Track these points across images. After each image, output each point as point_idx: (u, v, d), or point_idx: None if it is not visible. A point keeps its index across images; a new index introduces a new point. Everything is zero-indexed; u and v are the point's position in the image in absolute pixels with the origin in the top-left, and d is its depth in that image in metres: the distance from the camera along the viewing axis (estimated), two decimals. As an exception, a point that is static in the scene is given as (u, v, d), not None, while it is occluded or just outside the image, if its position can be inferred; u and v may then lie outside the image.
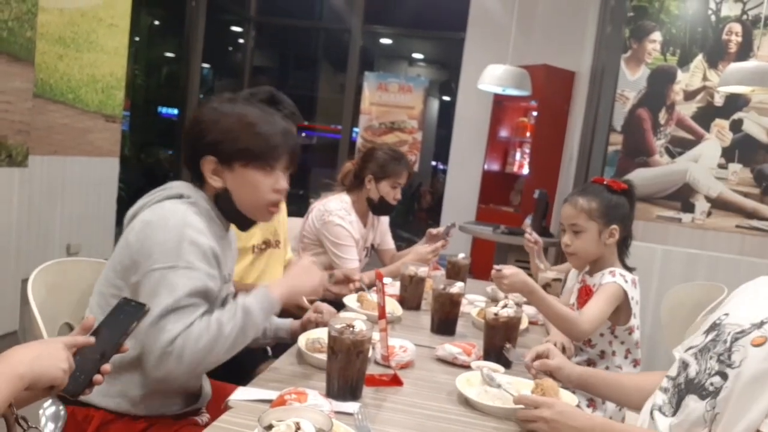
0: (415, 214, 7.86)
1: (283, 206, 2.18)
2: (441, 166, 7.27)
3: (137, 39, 5.68)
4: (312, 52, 7.61)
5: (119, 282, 1.27)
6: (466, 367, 1.45)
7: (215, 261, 1.27)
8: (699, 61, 3.86)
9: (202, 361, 1.20)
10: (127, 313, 1.04)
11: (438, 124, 6.52)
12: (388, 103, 5.74)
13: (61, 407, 0.93)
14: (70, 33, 3.91)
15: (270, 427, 0.78)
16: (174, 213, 1.25)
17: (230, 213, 1.38)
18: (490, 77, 4.07)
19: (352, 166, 2.55)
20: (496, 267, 1.59)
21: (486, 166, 5.25)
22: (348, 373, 1.22)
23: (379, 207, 2.50)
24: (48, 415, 0.92)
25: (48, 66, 3.66)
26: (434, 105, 7.23)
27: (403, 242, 6.08)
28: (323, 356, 1.36)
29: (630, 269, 1.76)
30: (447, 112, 6.27)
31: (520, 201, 4.93)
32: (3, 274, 2.92)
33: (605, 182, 1.78)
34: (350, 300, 1.87)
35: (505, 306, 1.51)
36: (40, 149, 3.26)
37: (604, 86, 4.28)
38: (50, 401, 0.93)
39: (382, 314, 1.36)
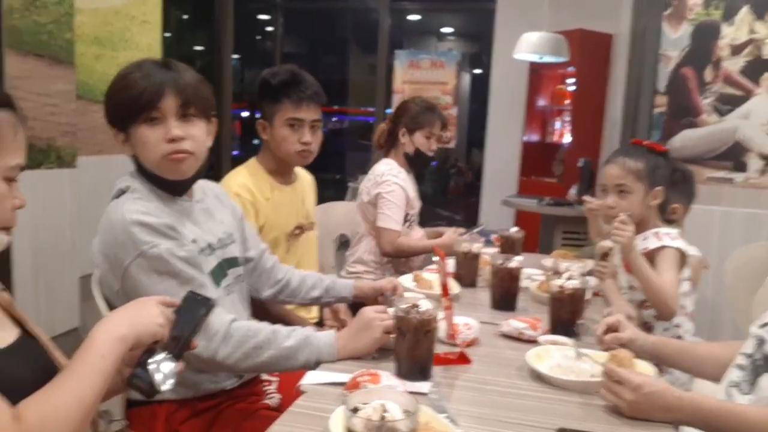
0: (452, 191, 7.79)
1: (311, 181, 2.16)
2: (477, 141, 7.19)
3: (168, 35, 5.72)
4: (340, 34, 7.57)
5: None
6: (533, 341, 1.43)
7: (172, 231, 1.25)
8: (745, 12, 3.69)
9: (247, 354, 1.23)
10: (195, 308, 1.05)
11: (471, 98, 6.43)
12: (421, 81, 5.67)
13: (173, 361, 0.93)
14: (105, 33, 3.96)
15: (356, 410, 0.77)
16: (114, 214, 1.24)
17: (152, 179, 1.31)
18: (526, 45, 3.98)
19: (386, 125, 2.53)
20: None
21: (525, 138, 5.16)
22: (417, 353, 1.21)
23: (415, 160, 2.46)
24: (162, 367, 0.93)
25: (86, 67, 3.71)
26: (466, 79, 7.12)
27: (442, 221, 6.05)
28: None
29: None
30: (480, 86, 6.16)
31: (563, 171, 4.83)
32: (61, 273, 3.00)
33: (645, 144, 1.76)
34: (406, 280, 1.86)
35: (570, 278, 1.48)
36: (86, 150, 3.32)
37: (645, 47, 4.14)
38: (161, 355, 0.94)
39: (445, 292, 1.34)
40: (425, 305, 1.22)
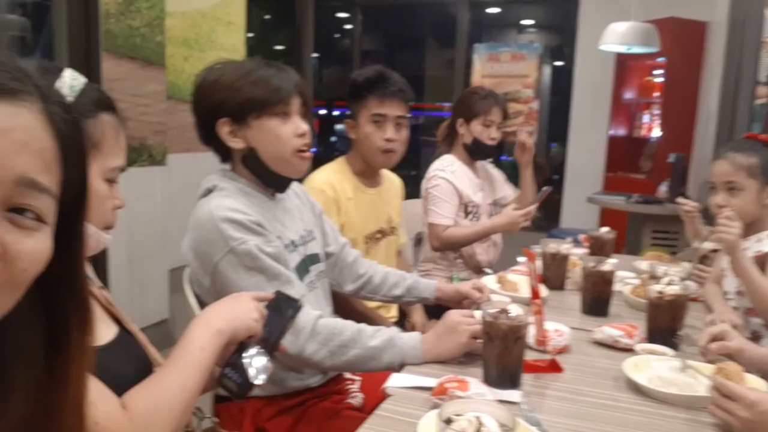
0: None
1: (399, 186, 2.15)
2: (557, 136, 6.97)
3: (252, 35, 5.87)
4: (418, 30, 7.52)
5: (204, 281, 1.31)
6: (629, 350, 1.35)
7: (260, 228, 1.26)
8: None
9: (332, 352, 1.23)
10: (283, 309, 1.05)
11: (552, 91, 6.23)
12: (500, 74, 5.55)
13: (265, 357, 0.95)
14: (193, 34, 4.10)
15: (449, 421, 0.74)
16: (203, 211, 1.27)
17: (262, 174, 1.34)
18: (613, 36, 3.81)
19: (448, 119, 2.48)
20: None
21: (611, 132, 4.95)
22: (506, 360, 1.16)
23: (475, 150, 2.39)
24: (255, 363, 0.94)
25: (176, 68, 3.85)
26: (548, 72, 6.93)
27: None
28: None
29: None
30: (562, 79, 5.96)
31: (652, 167, 4.60)
32: (153, 266, 3.14)
33: (762, 138, 1.61)
34: (490, 281, 1.81)
35: (669, 283, 1.38)
36: (175, 147, 3.45)
37: (745, 34, 3.87)
38: (255, 351, 0.95)
39: (535, 296, 1.29)
40: (515, 310, 1.17)
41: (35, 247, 0.49)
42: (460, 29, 5.90)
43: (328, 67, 7.79)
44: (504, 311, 1.17)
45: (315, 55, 6.79)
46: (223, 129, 1.31)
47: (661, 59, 4.47)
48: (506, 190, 2.60)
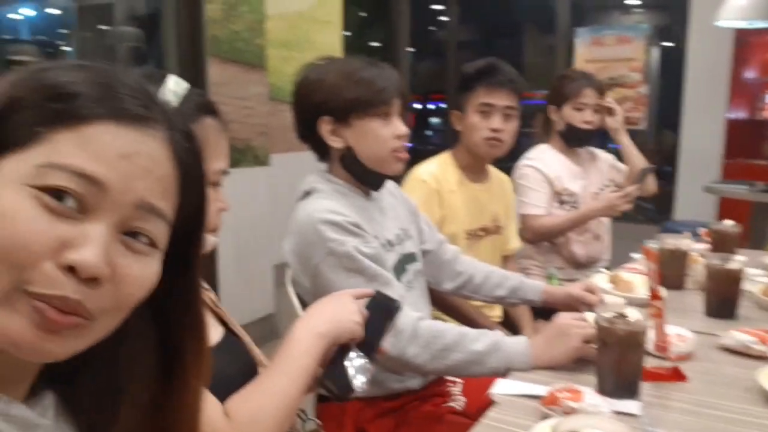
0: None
1: (509, 185, 2.08)
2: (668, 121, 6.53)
3: (348, 33, 5.95)
4: (516, 17, 7.32)
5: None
6: (763, 358, 1.22)
7: (358, 229, 1.26)
8: None
9: (434, 356, 1.19)
10: (382, 310, 1.03)
11: (662, 75, 5.85)
12: (605, 58, 5.27)
13: (366, 360, 0.94)
14: (292, 36, 4.20)
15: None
16: (303, 214, 1.27)
17: (358, 172, 1.34)
18: (731, 11, 3.50)
19: (544, 108, 2.36)
20: None
21: (730, 115, 4.57)
22: (623, 368, 1.08)
23: (570, 137, 2.26)
24: (356, 366, 0.93)
25: (277, 70, 3.96)
26: (656, 54, 6.53)
27: (630, 211, 5.57)
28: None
29: None
30: (672, 61, 5.57)
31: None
32: (258, 262, 3.25)
33: None
34: (602, 281, 1.71)
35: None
36: (278, 148, 3.55)
37: None
38: (355, 354, 0.94)
39: (654, 297, 1.19)
40: (633, 314, 1.09)
41: (144, 271, 0.49)
42: (560, 13, 5.66)
43: (423, 60, 7.75)
44: (621, 315, 1.09)
45: (410, 49, 6.77)
46: (325, 128, 1.31)
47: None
48: (615, 175, 2.44)
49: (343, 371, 0.91)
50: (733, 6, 3.49)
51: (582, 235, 2.28)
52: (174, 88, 0.85)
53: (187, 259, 0.55)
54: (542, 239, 2.25)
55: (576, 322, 1.21)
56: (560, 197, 2.25)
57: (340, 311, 0.94)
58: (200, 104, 0.88)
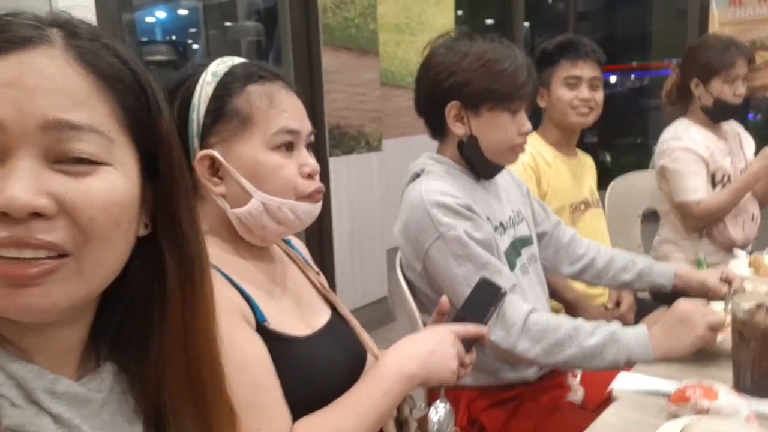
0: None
1: (593, 164, 1.99)
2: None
3: (461, 12, 5.83)
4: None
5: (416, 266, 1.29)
6: None
7: (471, 212, 1.22)
8: None
9: (547, 351, 1.15)
10: (485, 296, 1.00)
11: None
12: (745, 20, 4.78)
13: (448, 404, 0.93)
14: (404, 19, 4.19)
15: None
16: (413, 196, 1.24)
17: (475, 161, 1.29)
18: None
19: (675, 78, 2.13)
20: None
21: None
22: (765, 364, 0.97)
23: (717, 112, 2.04)
24: (441, 414, 0.94)
25: (388, 54, 3.98)
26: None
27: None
28: (723, 339, 1.13)
29: None
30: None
31: None
32: (372, 245, 3.29)
33: None
34: (741, 265, 1.55)
35: None
36: (390, 133, 3.57)
37: None
38: (441, 402, 0.94)
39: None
40: (777, 305, 0.97)
41: (93, 192, 0.46)
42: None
43: (542, 35, 7.44)
44: (762, 306, 0.97)
45: (527, 24, 6.53)
46: (451, 112, 1.27)
47: None
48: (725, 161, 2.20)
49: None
50: None
51: (738, 217, 2.08)
52: (214, 68, 0.87)
53: (168, 182, 0.52)
54: (708, 224, 2.07)
55: (698, 307, 1.12)
56: (714, 178, 2.06)
57: (437, 354, 0.90)
58: (243, 75, 0.87)
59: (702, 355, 1.12)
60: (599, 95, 1.82)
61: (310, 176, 0.90)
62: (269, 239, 0.94)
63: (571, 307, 1.67)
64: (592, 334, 1.14)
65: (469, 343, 0.96)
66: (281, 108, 0.88)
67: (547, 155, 1.82)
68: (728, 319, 1.15)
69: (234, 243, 0.91)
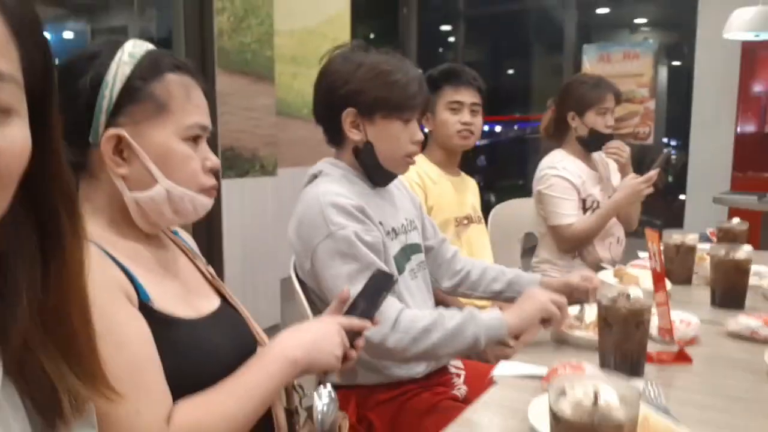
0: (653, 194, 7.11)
1: (474, 184, 2.12)
2: (673, 141, 6.51)
3: (356, 51, 6.01)
4: (524, 37, 7.37)
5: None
6: (771, 342, 1.20)
7: (363, 215, 1.26)
8: None
9: (415, 338, 1.21)
10: (378, 284, 1.04)
11: (670, 92, 5.86)
12: (612, 74, 5.24)
13: (332, 391, 0.95)
14: (301, 52, 4.25)
15: (563, 392, 0.68)
16: (310, 196, 1.28)
17: (370, 167, 1.35)
18: (738, 23, 3.51)
19: (552, 113, 2.35)
20: None
21: (739, 129, 4.56)
22: (626, 347, 1.06)
23: (592, 141, 2.25)
24: (325, 402, 0.94)
25: (285, 85, 4.01)
26: (664, 73, 6.55)
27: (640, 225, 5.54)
28: (583, 334, 1.24)
29: None
30: (680, 79, 5.59)
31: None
32: (265, 271, 3.24)
33: None
34: (607, 276, 1.69)
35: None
36: (285, 162, 3.58)
37: None
38: (323, 388, 0.95)
39: (659, 280, 1.18)
40: (636, 292, 1.07)
41: (4, 141, 0.46)
42: (568, 32, 5.71)
43: (432, 82, 7.78)
44: (623, 294, 1.08)
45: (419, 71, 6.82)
46: (347, 119, 1.31)
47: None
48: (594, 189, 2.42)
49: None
50: (739, 19, 3.50)
51: (605, 239, 2.27)
52: (131, 49, 0.86)
53: (46, 127, 0.51)
54: (579, 246, 2.24)
55: (544, 291, 1.29)
56: (585, 204, 2.24)
57: (321, 342, 0.92)
58: (163, 62, 0.87)
59: (573, 348, 1.23)
60: (479, 120, 1.97)
61: (211, 171, 0.92)
62: (159, 227, 0.93)
63: None
64: (452, 318, 1.23)
65: (354, 335, 0.99)
66: (195, 102, 0.90)
67: (432, 174, 1.94)
68: (588, 315, 1.28)
69: (120, 226, 0.89)
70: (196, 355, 0.86)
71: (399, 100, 1.30)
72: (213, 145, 2.98)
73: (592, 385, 0.67)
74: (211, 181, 0.92)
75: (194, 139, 0.89)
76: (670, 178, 5.62)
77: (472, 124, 1.95)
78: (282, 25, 3.90)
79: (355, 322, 0.98)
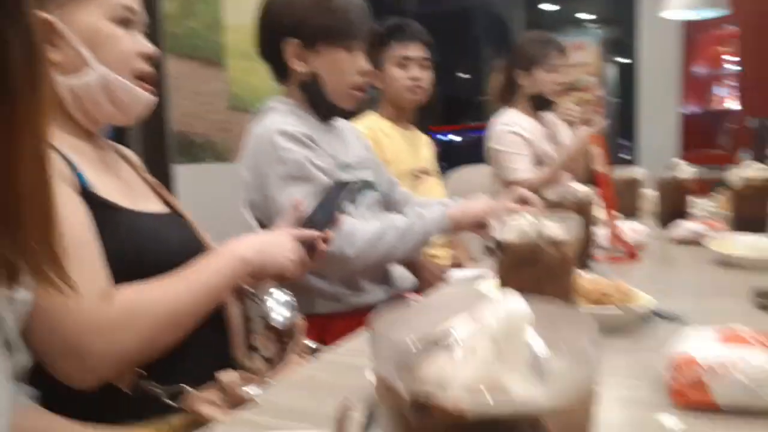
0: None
1: (428, 140, 2.11)
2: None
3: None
4: (471, 38, 7.48)
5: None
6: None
7: (313, 143, 1.26)
8: None
9: (371, 243, 1.22)
10: (334, 195, 1.04)
11: (616, 82, 6.06)
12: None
13: (291, 298, 0.93)
14: (253, 48, 4.25)
15: (506, 224, 0.68)
16: (258, 129, 1.28)
17: (317, 100, 1.34)
18: (677, 2, 3.66)
19: (500, 76, 2.36)
20: None
21: (684, 110, 4.72)
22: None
23: (541, 99, 2.28)
24: (279, 301, 0.92)
25: (238, 80, 3.98)
26: (611, 69, 6.78)
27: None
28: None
29: None
30: (625, 75, 5.78)
31: (731, 138, 4.35)
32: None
33: None
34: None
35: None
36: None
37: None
38: (278, 290, 0.93)
39: (605, 184, 1.20)
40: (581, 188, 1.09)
41: None
42: (516, 30, 5.85)
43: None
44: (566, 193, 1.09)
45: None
46: (290, 51, 1.29)
47: (732, 27, 4.26)
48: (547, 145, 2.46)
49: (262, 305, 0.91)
50: (676, -2, 3.64)
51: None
52: None
53: None
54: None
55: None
56: (539, 160, 2.27)
57: (273, 245, 0.92)
58: None
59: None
60: (428, 74, 1.94)
61: (148, 58, 0.90)
62: (99, 120, 0.90)
63: (412, 265, 1.72)
64: (401, 219, 1.27)
65: (311, 247, 0.98)
66: None
67: (384, 128, 1.92)
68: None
69: (59, 121, 0.87)
70: (139, 243, 0.83)
71: (341, 26, 1.29)
72: (163, 129, 2.90)
73: (533, 218, 0.68)
74: (146, 67, 0.89)
75: (125, 23, 0.87)
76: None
77: (421, 79, 1.92)
78: (234, 20, 3.89)
79: (306, 232, 0.98)
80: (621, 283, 0.81)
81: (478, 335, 0.26)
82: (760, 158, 3.34)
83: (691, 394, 0.52)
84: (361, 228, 1.21)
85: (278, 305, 0.95)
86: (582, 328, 0.27)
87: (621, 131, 6.26)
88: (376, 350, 0.28)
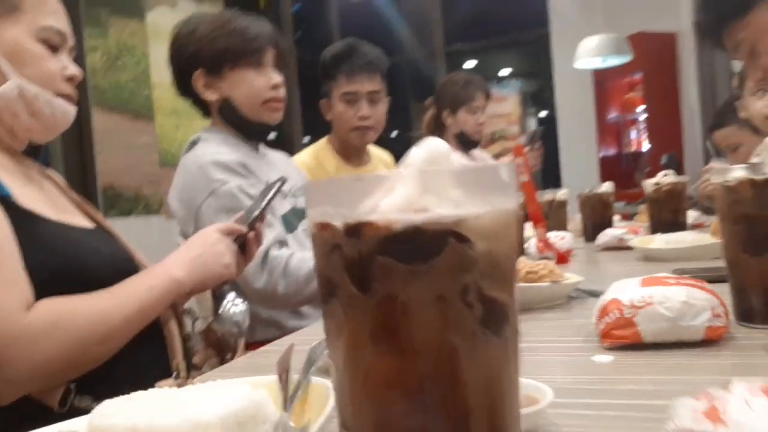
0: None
1: (390, 161, 2.05)
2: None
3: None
4: (399, 93, 7.71)
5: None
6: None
7: (246, 171, 1.24)
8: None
9: (306, 279, 1.19)
10: (266, 190, 1.04)
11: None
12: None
13: (243, 302, 0.92)
14: (181, 104, 4.23)
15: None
16: (188, 160, 1.26)
17: (237, 123, 1.32)
18: (586, 51, 3.93)
19: (432, 111, 2.45)
20: None
21: (602, 154, 5.01)
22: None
23: (466, 139, 2.37)
24: (241, 310, 0.93)
25: (167, 137, 3.95)
26: (531, 121, 7.13)
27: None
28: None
29: None
30: (546, 122, 6.11)
31: (647, 177, 4.62)
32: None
33: None
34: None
35: (666, 175, 1.36)
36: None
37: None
38: (234, 296, 0.92)
39: (530, 191, 1.26)
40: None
41: None
42: (438, 84, 6.09)
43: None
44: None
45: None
46: (198, 81, 1.30)
47: (637, 74, 4.60)
48: None
49: (221, 321, 0.91)
50: (586, 47, 3.92)
51: None
52: None
53: None
54: None
55: None
56: None
57: (204, 255, 0.89)
58: None
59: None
60: (380, 108, 1.77)
61: (71, 80, 0.89)
62: (19, 135, 0.88)
63: None
64: None
65: (243, 239, 0.98)
66: (51, 7, 0.88)
67: (328, 166, 1.82)
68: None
69: None
70: (65, 254, 0.81)
71: (242, 46, 1.28)
72: (91, 183, 2.81)
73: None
74: (68, 88, 0.88)
75: (52, 47, 0.87)
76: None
77: (370, 117, 1.75)
78: (161, 78, 3.89)
79: (234, 226, 0.97)
80: (548, 263, 0.85)
81: (405, 171, 0.28)
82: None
83: (619, 333, 0.54)
84: (296, 262, 1.19)
85: (241, 309, 0.93)
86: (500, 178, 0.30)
87: (544, 176, 6.56)
88: (313, 198, 0.30)
